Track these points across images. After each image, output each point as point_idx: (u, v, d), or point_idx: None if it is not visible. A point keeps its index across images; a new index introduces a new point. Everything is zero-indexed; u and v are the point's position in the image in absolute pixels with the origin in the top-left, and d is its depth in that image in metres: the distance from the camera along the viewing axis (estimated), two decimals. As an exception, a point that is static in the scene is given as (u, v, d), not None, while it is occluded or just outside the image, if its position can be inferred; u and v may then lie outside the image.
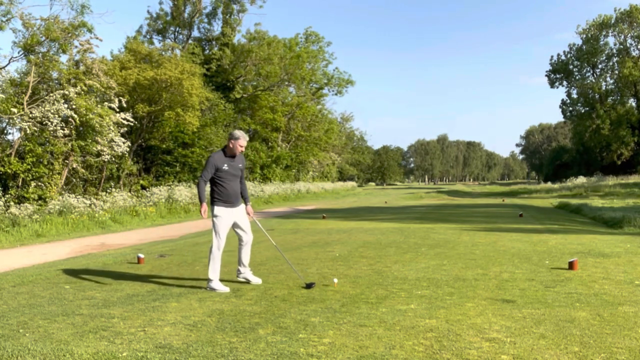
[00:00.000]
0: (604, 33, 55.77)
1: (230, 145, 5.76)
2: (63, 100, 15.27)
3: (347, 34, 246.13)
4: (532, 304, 4.81)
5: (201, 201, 5.62)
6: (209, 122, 25.95)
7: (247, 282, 5.96)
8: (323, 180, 50.17)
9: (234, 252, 6.79)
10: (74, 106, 15.48)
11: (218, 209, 5.70)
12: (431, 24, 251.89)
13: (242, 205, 5.94)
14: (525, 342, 3.73)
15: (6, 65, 15.03)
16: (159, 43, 33.34)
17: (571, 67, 58.92)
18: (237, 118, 33.48)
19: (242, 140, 5.76)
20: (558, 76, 60.11)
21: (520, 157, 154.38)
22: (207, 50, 34.66)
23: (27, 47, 14.68)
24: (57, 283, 6.30)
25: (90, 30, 15.90)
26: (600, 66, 57.88)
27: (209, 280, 5.67)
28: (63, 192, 15.88)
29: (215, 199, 5.74)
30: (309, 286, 5.65)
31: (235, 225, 5.85)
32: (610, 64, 56.88)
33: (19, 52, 15.01)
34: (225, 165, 5.71)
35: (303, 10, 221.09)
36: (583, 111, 58.13)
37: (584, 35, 56.60)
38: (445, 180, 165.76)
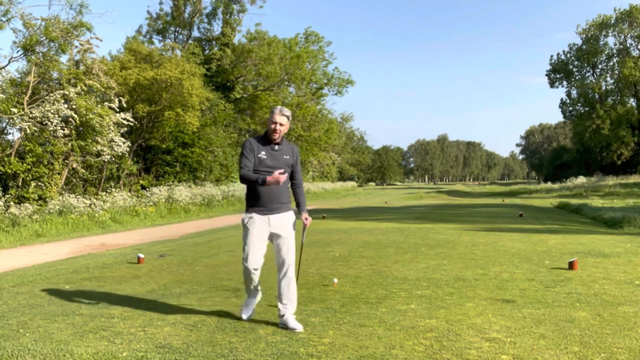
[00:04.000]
0: (604, 33, 55.80)
1: (268, 126, 4.25)
2: (63, 100, 15.27)
3: (347, 34, 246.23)
4: (532, 304, 4.82)
5: (258, 179, 4.05)
6: (209, 122, 25.94)
7: (285, 327, 4.18)
8: (323, 180, 50.19)
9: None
10: (74, 106, 15.48)
11: (247, 215, 4.26)
12: (431, 24, 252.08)
13: (289, 214, 4.31)
14: (525, 342, 3.73)
15: (6, 65, 15.03)
16: (159, 43, 33.37)
17: (571, 67, 58.97)
18: (237, 118, 33.48)
19: (276, 115, 4.18)
20: (558, 76, 60.15)
21: (520, 157, 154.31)
22: (207, 50, 34.66)
23: (27, 47, 14.67)
24: (57, 283, 6.30)
25: (89, 30, 15.89)
26: (600, 66, 57.93)
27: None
28: (63, 192, 15.88)
29: (247, 202, 4.30)
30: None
31: (271, 240, 4.30)
32: (611, 64, 56.94)
33: (18, 52, 15.02)
34: (263, 152, 4.18)
35: (303, 10, 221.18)
36: (583, 111, 58.16)
37: (584, 35, 56.63)
38: (445, 180, 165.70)
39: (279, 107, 4.25)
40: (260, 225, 4.21)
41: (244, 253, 4.26)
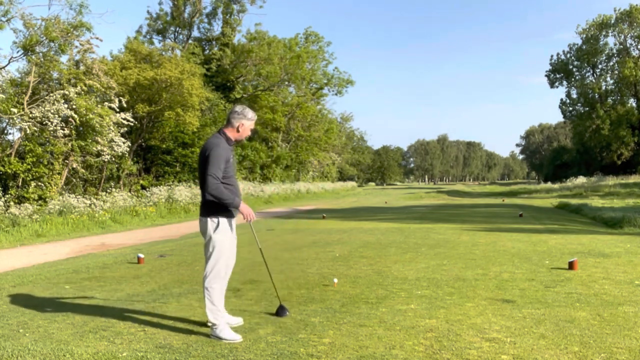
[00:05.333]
0: (603, 33, 55.80)
1: (239, 128, 4.03)
2: (63, 100, 15.27)
3: (346, 33, 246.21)
4: (532, 304, 4.82)
5: (233, 202, 3.88)
6: (209, 122, 25.94)
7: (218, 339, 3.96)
8: (323, 180, 50.17)
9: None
10: (74, 106, 15.48)
11: (225, 222, 3.96)
12: (431, 23, 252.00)
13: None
14: (525, 342, 3.73)
15: (6, 65, 15.03)
16: (159, 43, 33.40)
17: (571, 67, 58.96)
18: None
19: (253, 121, 4.10)
20: (558, 76, 60.16)
21: (520, 157, 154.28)
22: (207, 50, 34.68)
23: (27, 47, 14.67)
24: (57, 283, 6.30)
25: (89, 30, 15.88)
26: (600, 66, 57.94)
27: (212, 326, 3.93)
28: (63, 192, 15.88)
29: (218, 208, 3.92)
30: (279, 312, 4.53)
31: None
32: (611, 64, 56.95)
33: (18, 52, 15.02)
34: (231, 156, 4.00)
35: (303, 10, 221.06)
36: (583, 111, 58.17)
37: (584, 35, 56.64)
38: (445, 180, 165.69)
39: (250, 109, 4.05)
40: (233, 233, 4.08)
41: (218, 268, 3.94)
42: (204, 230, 4.00)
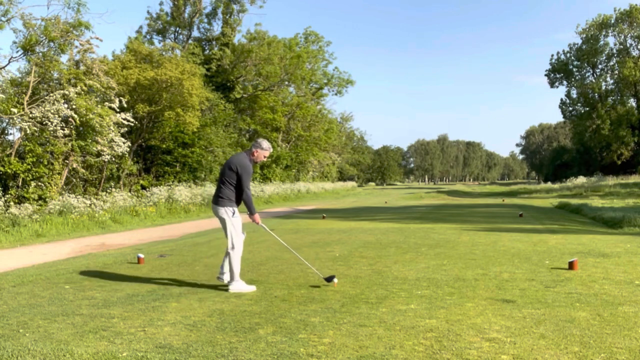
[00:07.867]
0: (603, 33, 55.84)
1: (254, 154, 5.67)
2: (63, 100, 15.26)
3: (346, 33, 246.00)
4: (532, 304, 4.82)
5: (253, 209, 5.65)
6: (209, 122, 25.93)
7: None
8: (323, 180, 50.16)
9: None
10: (74, 106, 15.47)
11: (234, 209, 5.63)
12: (431, 23, 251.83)
13: None
14: (525, 342, 3.73)
15: (6, 65, 15.03)
16: (159, 43, 33.40)
17: (571, 67, 58.98)
18: (237, 118, 33.47)
19: (268, 151, 5.70)
20: (558, 76, 60.18)
21: (520, 157, 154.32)
22: (207, 51, 34.67)
23: (27, 47, 14.66)
24: (57, 283, 6.30)
25: (88, 29, 15.86)
26: (600, 66, 57.97)
27: (237, 281, 5.60)
28: (63, 192, 15.87)
29: (231, 200, 5.61)
30: (329, 279, 5.86)
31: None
32: (611, 64, 56.98)
33: (18, 52, 15.01)
34: (252, 172, 5.79)
35: (303, 10, 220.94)
36: (583, 111, 58.20)
37: (584, 35, 56.67)
38: (445, 180, 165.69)
39: (266, 142, 5.65)
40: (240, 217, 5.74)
41: (239, 238, 5.58)
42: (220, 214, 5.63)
